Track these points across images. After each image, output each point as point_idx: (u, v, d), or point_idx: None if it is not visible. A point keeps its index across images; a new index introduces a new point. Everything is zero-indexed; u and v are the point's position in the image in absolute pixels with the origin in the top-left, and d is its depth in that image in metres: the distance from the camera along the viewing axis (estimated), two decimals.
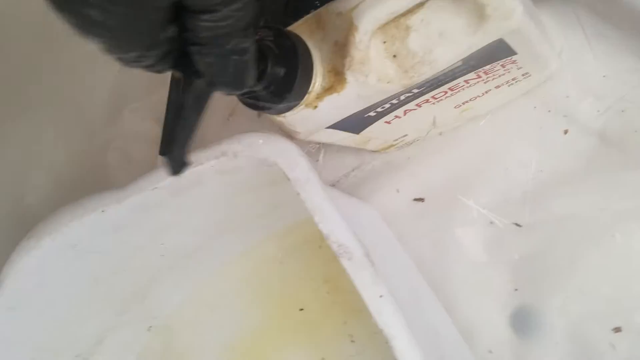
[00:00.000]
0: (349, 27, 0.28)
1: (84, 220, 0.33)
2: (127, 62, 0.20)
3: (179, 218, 0.38)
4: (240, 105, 0.30)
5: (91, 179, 0.52)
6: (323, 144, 0.47)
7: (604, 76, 0.39)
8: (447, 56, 0.28)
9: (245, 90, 0.24)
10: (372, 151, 0.45)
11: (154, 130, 0.53)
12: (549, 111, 0.41)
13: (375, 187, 0.46)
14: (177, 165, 0.24)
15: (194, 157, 0.33)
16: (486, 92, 0.37)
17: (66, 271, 0.37)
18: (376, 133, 0.39)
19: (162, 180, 0.33)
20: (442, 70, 0.29)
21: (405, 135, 0.41)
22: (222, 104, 0.52)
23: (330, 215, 0.28)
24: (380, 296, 0.27)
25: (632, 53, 0.38)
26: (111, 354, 0.48)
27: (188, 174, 0.32)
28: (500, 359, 0.40)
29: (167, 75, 0.51)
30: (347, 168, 0.47)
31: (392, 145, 0.43)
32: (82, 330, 0.44)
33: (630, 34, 0.38)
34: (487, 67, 0.33)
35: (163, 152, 0.23)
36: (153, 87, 0.53)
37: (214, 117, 0.52)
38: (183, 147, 0.24)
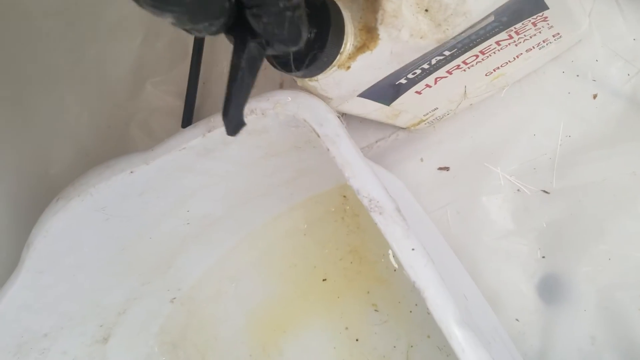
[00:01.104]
0: None
1: (112, 181, 0.33)
2: (193, 31, 0.21)
3: (205, 182, 0.38)
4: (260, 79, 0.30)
5: (114, 152, 0.52)
6: (347, 115, 0.46)
7: (634, 39, 0.39)
8: (481, 5, 0.27)
9: (297, 48, 0.25)
10: (404, 129, 0.44)
11: (176, 103, 0.53)
12: (578, 76, 0.40)
13: (399, 157, 0.45)
14: (234, 126, 0.24)
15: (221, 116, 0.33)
16: (517, 56, 0.37)
17: (94, 235, 0.37)
18: (407, 105, 0.38)
19: (189, 141, 0.33)
20: (475, 24, 0.29)
21: (436, 109, 0.41)
22: None
23: (361, 170, 0.28)
24: (412, 249, 0.26)
25: None
26: (134, 325, 0.48)
27: (216, 133, 0.33)
28: (527, 327, 0.40)
29: (189, 48, 0.51)
30: (370, 139, 0.47)
31: (422, 121, 0.43)
32: (107, 299, 0.44)
33: None
34: (519, 25, 0.33)
35: (222, 113, 0.24)
36: (175, 61, 0.53)
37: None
38: (239, 108, 0.24)
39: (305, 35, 0.25)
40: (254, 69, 0.24)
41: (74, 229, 0.36)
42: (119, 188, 0.34)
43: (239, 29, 0.23)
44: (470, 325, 0.26)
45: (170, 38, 0.53)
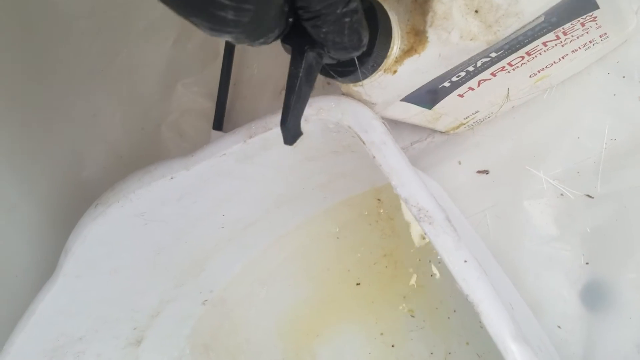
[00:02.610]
0: None
1: (152, 187, 0.33)
2: (251, 44, 0.21)
3: (242, 187, 0.38)
4: None
5: (146, 154, 0.52)
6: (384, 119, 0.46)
7: None
8: (534, 5, 0.26)
9: (360, 52, 0.25)
10: (441, 132, 0.43)
11: (206, 105, 0.52)
12: (624, 77, 0.39)
13: (436, 160, 0.44)
14: (292, 135, 0.25)
15: (262, 123, 0.32)
16: (563, 57, 0.36)
17: (132, 240, 0.37)
18: (448, 108, 0.37)
19: (230, 147, 0.32)
20: (526, 25, 0.28)
21: (477, 112, 0.40)
22: (272, 79, 0.51)
23: (409, 178, 0.27)
24: (465, 261, 0.26)
25: None
26: (166, 327, 0.48)
27: (257, 139, 0.32)
28: (570, 335, 0.39)
29: (220, 50, 0.51)
30: (405, 141, 0.46)
31: (462, 124, 0.42)
32: (141, 301, 0.44)
33: None
34: (567, 25, 0.32)
35: (281, 122, 0.24)
36: (206, 62, 0.53)
37: (265, 92, 0.52)
38: (297, 117, 0.25)
39: (366, 39, 0.25)
40: (311, 79, 0.24)
41: (113, 235, 0.36)
42: (159, 194, 0.34)
43: (295, 38, 0.23)
44: (524, 339, 0.25)
45: (202, 40, 0.52)
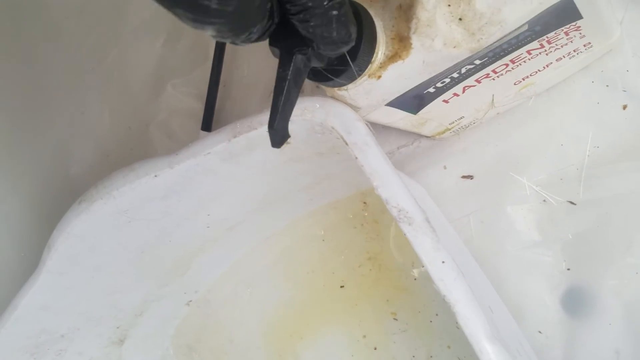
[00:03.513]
0: None
1: (136, 185, 0.33)
2: (234, 42, 0.21)
3: (227, 187, 0.38)
4: None
5: (133, 153, 0.52)
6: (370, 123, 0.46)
7: None
8: (516, 14, 0.27)
9: (349, 47, 0.25)
10: (427, 137, 0.44)
11: (195, 105, 0.53)
12: (607, 86, 0.39)
13: (422, 165, 0.45)
14: (280, 138, 0.25)
15: (247, 122, 0.32)
16: (547, 65, 0.36)
17: (115, 238, 0.37)
18: (433, 113, 0.38)
19: (215, 146, 0.32)
20: (509, 33, 0.28)
21: (462, 118, 0.40)
22: (261, 81, 0.52)
23: (390, 179, 0.28)
24: (442, 262, 0.26)
25: None
26: (150, 327, 0.48)
27: (241, 139, 0.32)
28: (550, 340, 0.39)
29: (210, 51, 0.51)
30: (392, 145, 0.46)
31: (447, 129, 0.42)
32: (125, 300, 0.44)
33: None
34: (551, 34, 0.32)
35: (269, 125, 0.24)
36: (196, 63, 0.53)
37: (255, 94, 0.52)
38: (285, 120, 0.25)
39: (354, 33, 0.25)
40: (299, 81, 0.24)
41: (96, 232, 0.36)
42: (143, 191, 0.34)
43: (283, 40, 0.23)
44: (500, 340, 0.26)
45: (192, 40, 0.52)
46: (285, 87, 0.24)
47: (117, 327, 0.46)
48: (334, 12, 0.22)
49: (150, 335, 0.49)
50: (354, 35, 0.25)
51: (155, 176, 0.33)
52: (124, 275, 0.41)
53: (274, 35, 0.23)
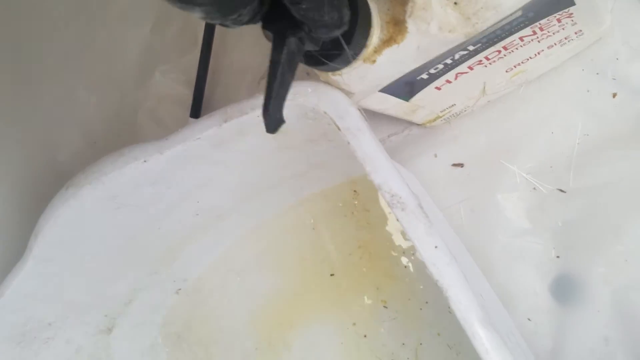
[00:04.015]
0: None
1: (125, 170, 0.33)
2: (223, 23, 0.21)
3: (217, 174, 0.37)
4: None
5: (121, 140, 0.52)
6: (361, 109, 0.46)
7: None
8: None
9: (342, 30, 0.25)
10: (418, 125, 0.44)
11: (184, 92, 0.52)
12: (597, 74, 0.39)
13: (413, 152, 0.45)
14: (274, 123, 0.24)
15: (238, 107, 0.32)
16: (539, 52, 0.36)
17: (104, 224, 0.37)
18: (426, 101, 0.38)
19: (205, 131, 0.32)
20: (503, 18, 0.28)
21: (453, 105, 0.40)
22: (251, 67, 0.51)
23: (383, 165, 0.28)
24: (435, 247, 0.26)
25: None
26: (138, 315, 0.48)
27: (232, 124, 0.32)
28: (540, 327, 0.39)
29: (199, 37, 0.50)
30: (383, 133, 0.46)
31: (438, 117, 0.42)
32: (113, 288, 0.44)
33: None
34: (544, 21, 0.32)
35: (263, 110, 0.24)
36: (185, 49, 0.52)
37: (244, 80, 0.51)
38: (279, 105, 0.24)
39: (347, 16, 0.25)
40: (293, 65, 0.24)
41: (84, 218, 0.35)
42: (132, 177, 0.33)
43: (276, 23, 0.22)
44: (492, 325, 0.26)
45: (181, 26, 0.52)
46: (279, 71, 0.23)
47: (105, 316, 0.45)
48: None
49: (139, 323, 0.48)
50: (347, 19, 0.25)
51: (145, 162, 0.32)
52: (113, 262, 0.41)
53: (266, 17, 0.22)
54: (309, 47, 0.25)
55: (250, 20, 0.22)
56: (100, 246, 0.39)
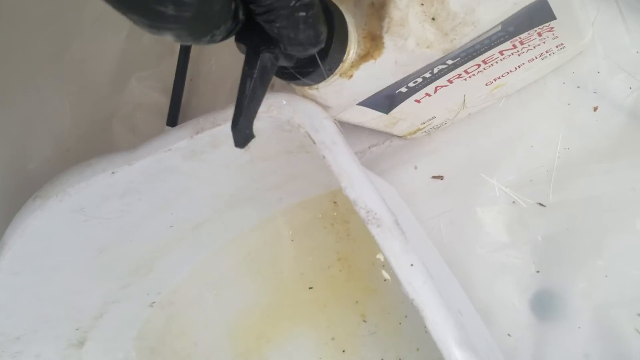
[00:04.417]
0: None
1: (92, 182, 0.32)
2: (196, 43, 0.20)
3: (190, 185, 0.36)
4: None
5: (95, 148, 0.50)
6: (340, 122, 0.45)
7: (637, 52, 0.38)
8: (490, 15, 0.26)
9: (318, 48, 0.24)
10: (399, 137, 0.43)
11: (161, 100, 0.51)
12: (578, 87, 0.39)
13: (393, 164, 0.44)
14: (243, 138, 0.24)
15: (210, 118, 0.31)
16: (519, 66, 0.36)
17: (72, 237, 0.35)
18: (405, 113, 0.37)
19: (176, 142, 0.31)
20: (482, 34, 0.28)
21: (434, 118, 0.40)
22: (230, 75, 0.50)
23: (359, 180, 0.27)
24: (411, 265, 0.25)
25: None
26: (111, 329, 0.46)
27: (205, 135, 0.31)
28: (519, 343, 0.39)
29: (177, 44, 0.49)
30: (363, 145, 0.46)
31: (419, 129, 0.41)
32: (83, 301, 0.42)
33: None
34: (524, 35, 0.32)
35: (232, 124, 0.23)
36: (162, 56, 0.51)
37: (223, 89, 0.51)
38: (249, 120, 0.23)
39: (324, 35, 0.24)
40: (265, 80, 0.23)
41: (52, 230, 0.34)
42: (100, 189, 0.32)
43: (250, 37, 0.22)
44: (469, 345, 0.25)
45: None
46: (251, 86, 0.23)
47: (77, 329, 0.44)
48: (301, 14, 0.21)
49: (112, 337, 0.47)
50: (323, 37, 0.24)
51: (113, 173, 0.31)
52: (83, 275, 0.40)
53: (240, 31, 0.22)
54: (284, 62, 0.24)
55: (225, 39, 0.21)
56: (69, 258, 0.37)
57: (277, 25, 0.21)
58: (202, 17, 0.18)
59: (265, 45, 0.22)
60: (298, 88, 0.30)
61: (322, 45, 0.24)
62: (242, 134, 0.23)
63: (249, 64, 0.23)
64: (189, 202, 0.39)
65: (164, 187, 0.35)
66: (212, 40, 0.20)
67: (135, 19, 0.17)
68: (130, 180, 0.32)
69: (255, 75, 0.23)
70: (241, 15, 0.21)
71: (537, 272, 0.39)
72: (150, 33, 0.18)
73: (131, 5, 0.16)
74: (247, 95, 0.23)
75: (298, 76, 0.27)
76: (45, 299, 0.39)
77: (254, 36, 0.22)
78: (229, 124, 0.30)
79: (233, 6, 0.20)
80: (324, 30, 0.24)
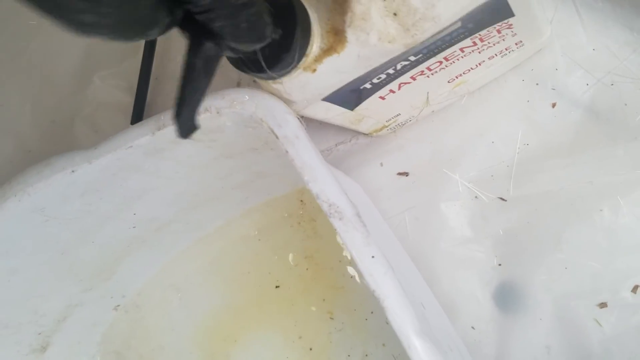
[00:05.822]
0: None
1: (51, 181, 0.31)
2: (132, 42, 0.19)
3: (153, 184, 0.36)
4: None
5: (57, 148, 0.49)
6: (307, 118, 0.45)
7: (593, 49, 0.39)
8: (450, 10, 0.26)
9: (264, 43, 0.24)
10: (365, 134, 0.43)
11: (125, 99, 0.50)
12: (537, 84, 0.40)
13: (359, 161, 0.44)
14: (186, 129, 0.23)
15: (172, 114, 0.31)
16: (480, 63, 0.36)
17: (31, 238, 0.35)
18: (370, 110, 0.37)
19: (137, 139, 0.31)
20: (443, 30, 0.28)
21: (398, 115, 0.40)
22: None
23: (321, 174, 0.27)
24: (372, 257, 0.25)
25: (622, 25, 0.38)
26: (74, 333, 0.45)
27: (166, 132, 0.31)
28: (483, 336, 0.39)
29: (141, 42, 0.49)
30: (330, 142, 0.46)
31: (384, 127, 0.42)
32: (45, 305, 0.41)
33: (620, 5, 0.38)
34: (484, 32, 0.32)
35: (174, 114, 0.23)
36: (126, 54, 0.50)
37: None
38: (192, 110, 0.23)
39: (268, 30, 0.23)
40: (210, 70, 0.22)
41: (10, 231, 0.33)
42: (59, 188, 0.32)
43: (193, 26, 0.21)
44: (429, 336, 0.25)
45: None
46: (194, 75, 0.22)
47: (39, 334, 0.43)
48: (243, 12, 0.20)
49: (75, 341, 0.46)
50: (268, 33, 0.24)
51: (73, 172, 0.31)
52: (43, 278, 0.39)
53: (183, 20, 0.20)
54: (230, 54, 0.24)
55: (166, 32, 0.20)
56: (29, 260, 0.36)
57: (218, 24, 0.20)
58: (126, 23, 0.17)
59: (207, 34, 0.21)
60: (263, 83, 0.30)
61: (269, 40, 0.24)
62: (186, 125, 0.23)
63: (191, 53, 0.22)
64: (152, 201, 0.38)
65: (125, 185, 0.34)
66: (149, 37, 0.19)
67: (61, 26, 0.16)
68: (91, 179, 0.32)
69: (198, 65, 0.22)
70: (178, 13, 0.20)
71: (499, 265, 0.40)
72: (82, 37, 0.17)
73: (53, 14, 0.16)
74: (190, 85, 0.22)
75: (259, 68, 0.27)
76: (4, 303, 0.38)
77: (196, 25, 0.21)
78: None
79: (166, 6, 0.19)
80: (269, 26, 0.23)
